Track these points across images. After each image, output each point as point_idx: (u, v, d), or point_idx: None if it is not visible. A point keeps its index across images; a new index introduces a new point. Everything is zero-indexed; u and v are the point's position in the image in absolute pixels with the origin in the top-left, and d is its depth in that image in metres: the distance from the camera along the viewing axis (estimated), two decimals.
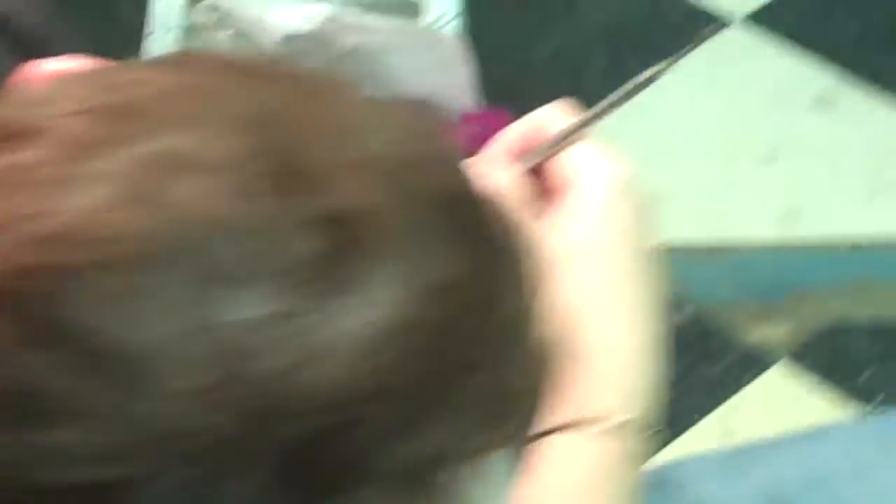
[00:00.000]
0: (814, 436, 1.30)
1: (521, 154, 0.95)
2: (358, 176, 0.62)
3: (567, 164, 0.93)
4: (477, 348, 0.65)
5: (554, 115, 0.95)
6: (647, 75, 0.94)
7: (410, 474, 0.63)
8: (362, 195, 0.62)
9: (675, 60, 0.94)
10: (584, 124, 0.93)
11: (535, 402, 0.72)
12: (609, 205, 0.92)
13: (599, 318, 0.92)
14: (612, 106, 0.94)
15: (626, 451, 0.91)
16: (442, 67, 1.81)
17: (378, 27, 1.80)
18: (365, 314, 0.60)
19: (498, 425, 0.68)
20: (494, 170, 0.94)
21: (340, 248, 0.60)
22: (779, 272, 2.14)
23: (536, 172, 0.95)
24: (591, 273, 0.92)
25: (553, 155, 0.94)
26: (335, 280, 0.59)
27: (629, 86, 0.94)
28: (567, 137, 0.93)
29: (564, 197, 0.92)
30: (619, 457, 0.91)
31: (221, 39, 1.76)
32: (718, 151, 2.29)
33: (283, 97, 0.65)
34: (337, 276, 0.60)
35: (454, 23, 1.89)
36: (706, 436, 1.92)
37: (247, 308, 0.58)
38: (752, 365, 2.02)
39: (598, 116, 0.94)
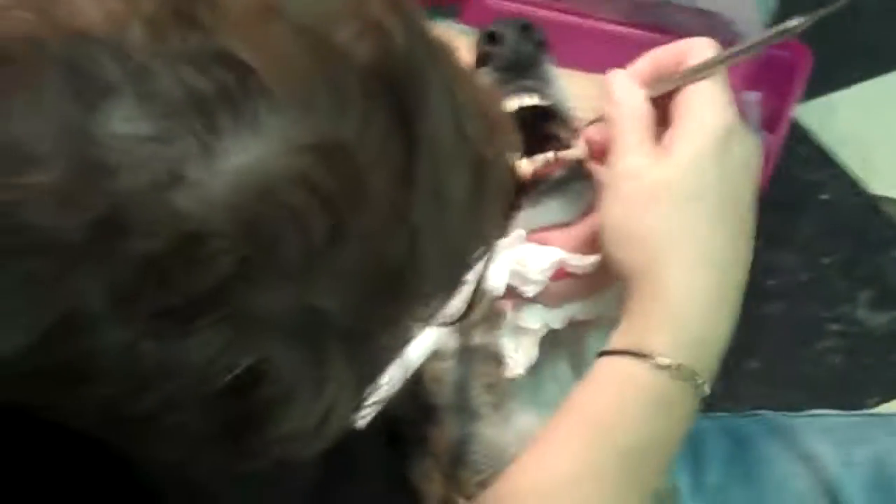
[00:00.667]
0: None
1: (654, 80, 0.98)
2: (268, 23, 0.64)
3: (685, 100, 0.95)
4: (354, 216, 0.65)
5: (695, 48, 0.97)
6: (792, 25, 0.95)
7: (272, 328, 0.65)
8: (267, 42, 0.63)
9: (822, 15, 0.95)
10: (716, 63, 0.96)
11: (432, 285, 0.72)
12: (711, 150, 0.94)
13: (680, 258, 0.93)
14: (749, 50, 0.97)
15: (674, 395, 0.93)
16: None
17: None
18: (241, 158, 0.62)
19: (384, 300, 0.69)
20: (623, 88, 0.98)
21: (232, 89, 0.62)
22: None
23: (667, 100, 0.97)
24: (680, 211, 0.94)
25: (679, 86, 0.96)
26: (218, 119, 0.62)
27: (770, 33, 0.96)
28: (695, 73, 0.96)
29: (674, 132, 0.95)
30: (665, 396, 0.93)
31: None
32: None
33: None
34: (221, 115, 0.62)
35: None
36: None
37: (121, 123, 0.61)
38: None
39: (731, 58, 0.96)
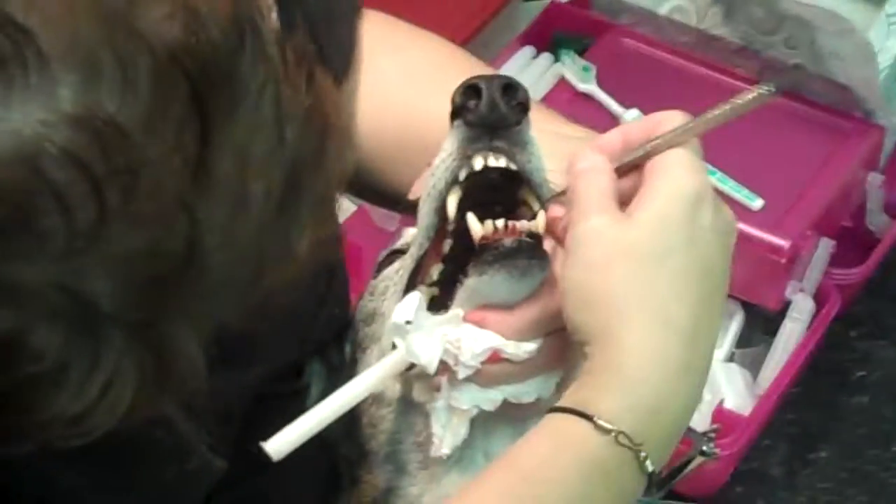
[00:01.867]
0: None
1: (624, 150, 0.96)
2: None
3: (654, 165, 0.93)
4: (128, 203, 0.63)
5: (665, 120, 0.95)
6: (754, 95, 0.94)
7: (26, 301, 0.64)
8: (56, 10, 0.62)
9: (778, 89, 0.96)
10: (682, 131, 0.94)
11: (217, 282, 0.70)
12: (677, 212, 0.91)
13: (639, 319, 0.90)
14: (714, 120, 0.95)
15: (612, 462, 0.89)
16: (861, 64, 1.74)
17: (823, 3, 1.74)
18: (4, 122, 0.61)
19: (162, 291, 0.67)
20: (585, 160, 0.95)
21: (4, 52, 0.61)
22: None
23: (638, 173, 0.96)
24: (641, 272, 0.90)
25: (645, 156, 0.95)
26: None
27: (734, 103, 0.94)
28: (664, 142, 0.94)
29: (640, 195, 0.92)
30: (602, 462, 0.89)
31: None
32: None
33: None
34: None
35: None
36: None
37: None
38: None
39: (697, 128, 0.95)
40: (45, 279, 0.64)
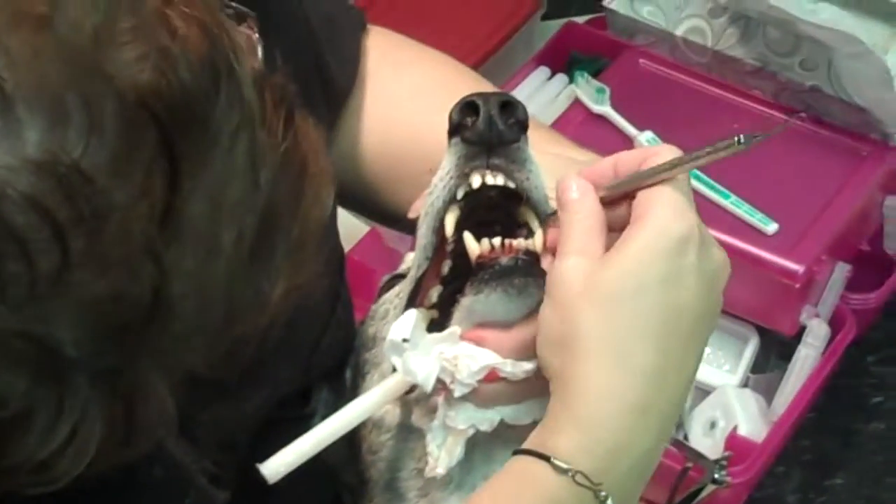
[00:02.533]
0: None
1: (615, 180, 0.95)
2: (33, 32, 0.61)
3: (642, 203, 0.92)
4: (91, 249, 0.62)
5: (659, 154, 0.93)
6: (745, 138, 0.91)
7: None
8: (22, 50, 0.61)
9: (777, 131, 0.92)
10: (672, 167, 0.92)
11: (186, 328, 0.68)
12: (657, 253, 0.89)
13: (601, 360, 0.89)
14: (707, 159, 0.92)
15: (570, 502, 0.88)
16: (879, 86, 1.72)
17: (840, 25, 1.72)
18: None
19: (128, 337, 0.66)
20: (576, 191, 0.94)
21: None
22: None
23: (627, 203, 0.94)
24: (608, 313, 0.89)
25: (632, 188, 0.93)
26: None
27: (725, 144, 0.91)
28: (651, 175, 0.92)
29: (625, 233, 0.91)
30: (560, 501, 0.88)
31: None
32: None
33: None
34: None
35: None
36: None
37: None
38: None
39: (687, 165, 0.92)
40: (7, 326, 0.63)
